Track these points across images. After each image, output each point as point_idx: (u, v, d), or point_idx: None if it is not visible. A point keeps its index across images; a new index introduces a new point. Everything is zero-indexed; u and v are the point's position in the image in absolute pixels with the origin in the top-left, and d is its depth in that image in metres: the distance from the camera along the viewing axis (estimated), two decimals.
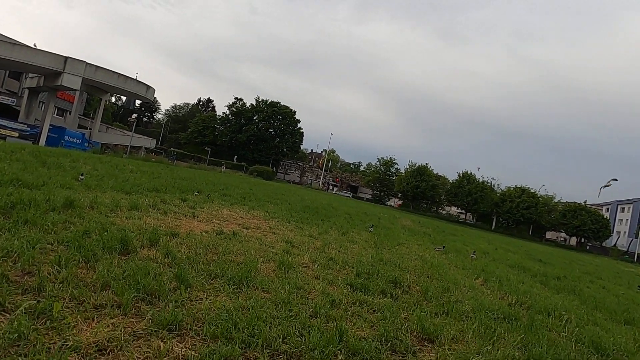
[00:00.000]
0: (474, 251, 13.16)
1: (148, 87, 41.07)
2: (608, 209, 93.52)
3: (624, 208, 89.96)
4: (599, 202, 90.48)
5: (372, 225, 15.49)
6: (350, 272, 6.55)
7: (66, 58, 32.07)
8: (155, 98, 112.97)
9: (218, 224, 8.79)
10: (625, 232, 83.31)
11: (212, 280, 4.44)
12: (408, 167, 73.09)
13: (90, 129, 46.61)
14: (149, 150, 61.99)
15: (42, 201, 6.08)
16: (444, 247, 13.23)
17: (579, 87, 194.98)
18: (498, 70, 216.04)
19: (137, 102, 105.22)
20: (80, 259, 3.96)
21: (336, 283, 5.63)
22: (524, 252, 23.81)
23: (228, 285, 4.30)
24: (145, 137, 62.55)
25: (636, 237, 64.60)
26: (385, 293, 5.56)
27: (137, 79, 40.94)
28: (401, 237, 14.71)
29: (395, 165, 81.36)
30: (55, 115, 50.24)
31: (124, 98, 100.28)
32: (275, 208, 14.89)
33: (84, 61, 33.16)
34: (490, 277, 9.01)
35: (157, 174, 17.71)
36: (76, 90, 35.62)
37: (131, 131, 67.01)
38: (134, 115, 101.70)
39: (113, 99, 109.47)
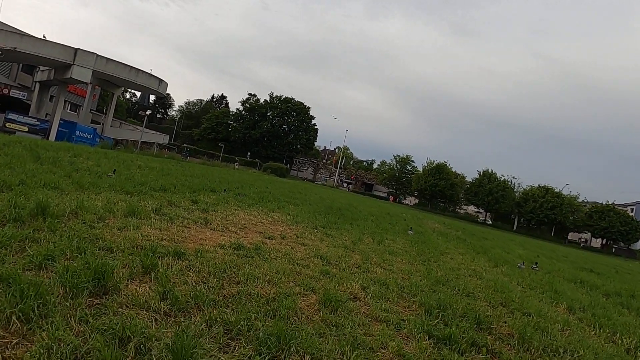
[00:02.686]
0: (536, 263, 11.56)
1: (160, 80, 39.79)
2: (633, 209, 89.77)
3: None
4: (623, 202, 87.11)
5: (411, 228, 14.21)
6: (414, 305, 4.88)
7: (76, 50, 30.87)
8: (169, 94, 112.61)
9: (235, 232, 7.19)
10: None
11: (233, 341, 2.80)
12: (426, 165, 70.81)
13: (103, 124, 45.63)
14: (161, 146, 61.03)
15: (3, 208, 4.53)
16: (536, 263, 11.80)
17: (600, 86, 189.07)
18: (515, 67, 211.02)
19: (152, 98, 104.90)
20: (14, 318, 2.35)
21: (407, 329, 3.96)
22: (562, 257, 21.85)
23: (259, 355, 2.66)
24: (158, 132, 61.53)
25: None
26: (477, 345, 3.87)
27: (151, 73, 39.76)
28: (439, 244, 12.96)
29: (412, 163, 79.10)
30: (68, 110, 49.47)
31: (138, 94, 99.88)
32: (297, 210, 13.28)
33: (94, 53, 31.94)
34: (571, 302, 7.24)
35: (167, 171, 16.23)
36: (86, 83, 34.47)
37: (145, 127, 66.18)
38: (148, 112, 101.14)
39: (127, 95, 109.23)
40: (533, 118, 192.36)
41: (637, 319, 7.27)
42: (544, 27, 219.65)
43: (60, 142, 22.08)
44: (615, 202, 65.46)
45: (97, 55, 32.14)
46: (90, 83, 37.74)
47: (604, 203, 65.45)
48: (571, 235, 73.26)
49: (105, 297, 3.01)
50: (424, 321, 4.22)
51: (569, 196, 64.28)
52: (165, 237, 5.41)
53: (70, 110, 50.49)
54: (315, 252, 6.81)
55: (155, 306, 3.02)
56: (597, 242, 70.44)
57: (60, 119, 34.43)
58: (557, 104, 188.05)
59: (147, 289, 3.33)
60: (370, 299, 4.73)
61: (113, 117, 49.56)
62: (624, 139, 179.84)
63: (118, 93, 48.31)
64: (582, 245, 65.65)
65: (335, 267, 6.14)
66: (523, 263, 11.41)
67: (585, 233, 72.17)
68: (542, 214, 60.18)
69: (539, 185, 64.93)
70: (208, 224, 7.26)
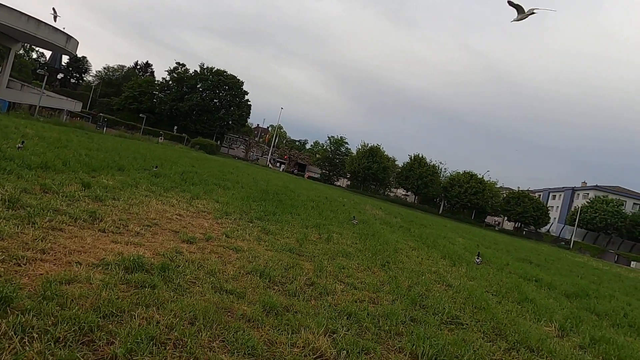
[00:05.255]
0: (479, 253, 10.85)
1: (69, 37, 34.32)
2: (540, 195, 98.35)
3: (555, 195, 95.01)
4: (532, 189, 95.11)
5: (355, 217, 13.42)
6: (406, 358, 3.26)
7: None
8: (84, 57, 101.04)
9: (138, 234, 5.05)
10: (555, 218, 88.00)
11: None
12: (360, 147, 70.75)
13: None
14: (73, 114, 54.08)
15: None
16: (479, 253, 11.06)
17: (517, 81, 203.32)
18: (445, 57, 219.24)
19: (65, 59, 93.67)
20: None
21: None
22: (494, 244, 22.05)
23: None
24: (69, 99, 54.32)
25: (568, 224, 68.10)
26: None
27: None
28: (388, 237, 11.66)
29: (346, 145, 78.83)
30: None
31: (49, 54, 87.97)
32: (228, 195, 11.20)
33: None
34: (553, 316, 6.17)
35: (65, 143, 13.14)
36: None
37: (55, 92, 57.99)
38: (60, 75, 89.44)
39: (34, 55, 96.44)
40: (458, 106, 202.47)
41: (618, 334, 6.40)
42: (472, 19, 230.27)
43: None
44: (530, 189, 70.67)
45: None
46: None
47: (517, 189, 70.39)
48: (487, 219, 78.38)
49: None
50: None
51: (489, 182, 68.08)
52: (2, 253, 3.21)
53: None
54: (253, 264, 4.94)
55: None
56: (509, 225, 76.05)
57: None
58: (479, 94, 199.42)
59: None
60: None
61: (14, 78, 42.59)
62: (535, 130, 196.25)
63: (17, 49, 41.33)
64: (497, 228, 70.30)
65: (282, 290, 4.33)
66: (478, 257, 10.54)
67: (500, 217, 77.62)
68: (467, 199, 63.08)
69: (464, 171, 67.88)
70: (96, 222, 5.04)
